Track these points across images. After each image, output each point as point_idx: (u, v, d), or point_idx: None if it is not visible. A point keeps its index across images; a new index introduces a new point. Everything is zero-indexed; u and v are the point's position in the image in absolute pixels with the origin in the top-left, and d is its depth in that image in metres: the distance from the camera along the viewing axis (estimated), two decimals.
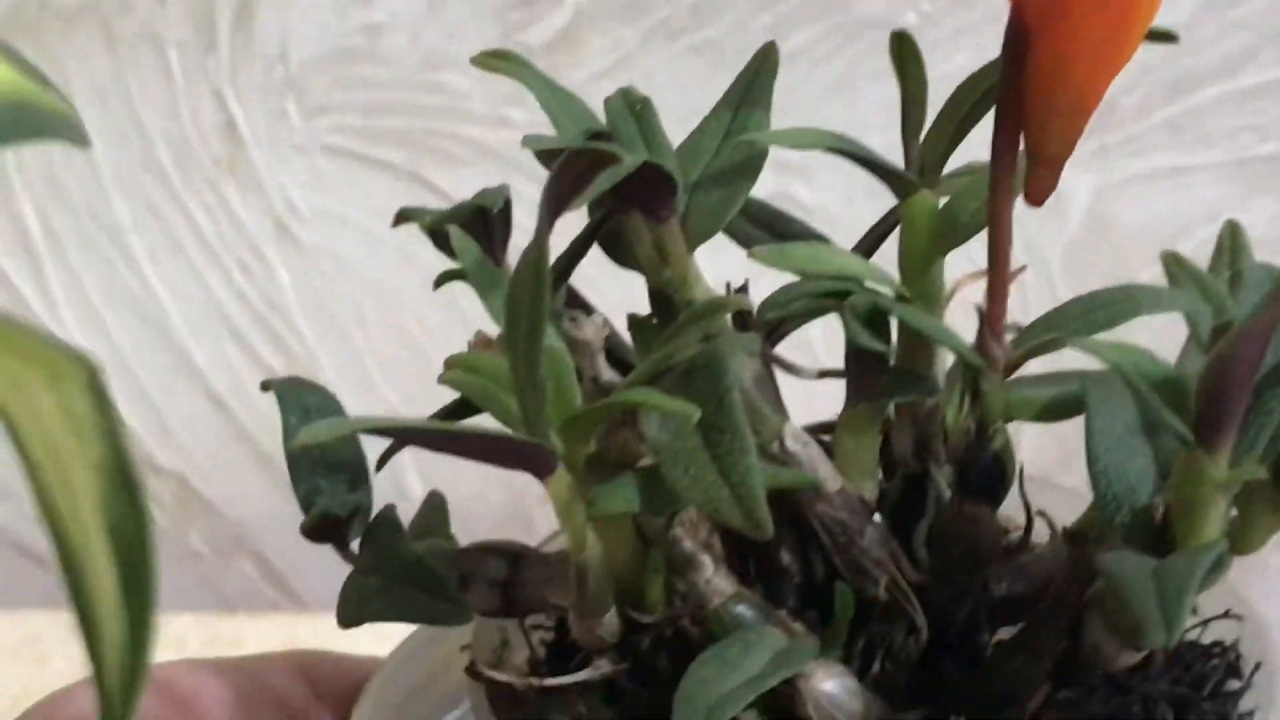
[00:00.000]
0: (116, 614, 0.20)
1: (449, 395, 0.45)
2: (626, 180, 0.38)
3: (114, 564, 0.20)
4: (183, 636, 0.84)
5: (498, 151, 0.86)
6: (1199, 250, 0.87)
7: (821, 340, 0.79)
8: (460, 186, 0.87)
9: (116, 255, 0.88)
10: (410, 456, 0.86)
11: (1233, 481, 0.35)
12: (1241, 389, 0.34)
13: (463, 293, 0.88)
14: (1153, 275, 0.87)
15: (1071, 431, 0.42)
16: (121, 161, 0.86)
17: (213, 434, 0.90)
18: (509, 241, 0.47)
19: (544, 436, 0.35)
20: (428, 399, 0.65)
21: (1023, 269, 0.48)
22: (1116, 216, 0.86)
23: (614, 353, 0.42)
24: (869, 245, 0.45)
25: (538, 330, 0.33)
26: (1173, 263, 0.48)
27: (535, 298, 0.33)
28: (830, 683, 0.38)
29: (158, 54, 0.84)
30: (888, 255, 0.45)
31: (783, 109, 0.85)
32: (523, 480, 0.38)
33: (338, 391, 0.90)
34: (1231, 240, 0.49)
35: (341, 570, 0.91)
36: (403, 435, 0.33)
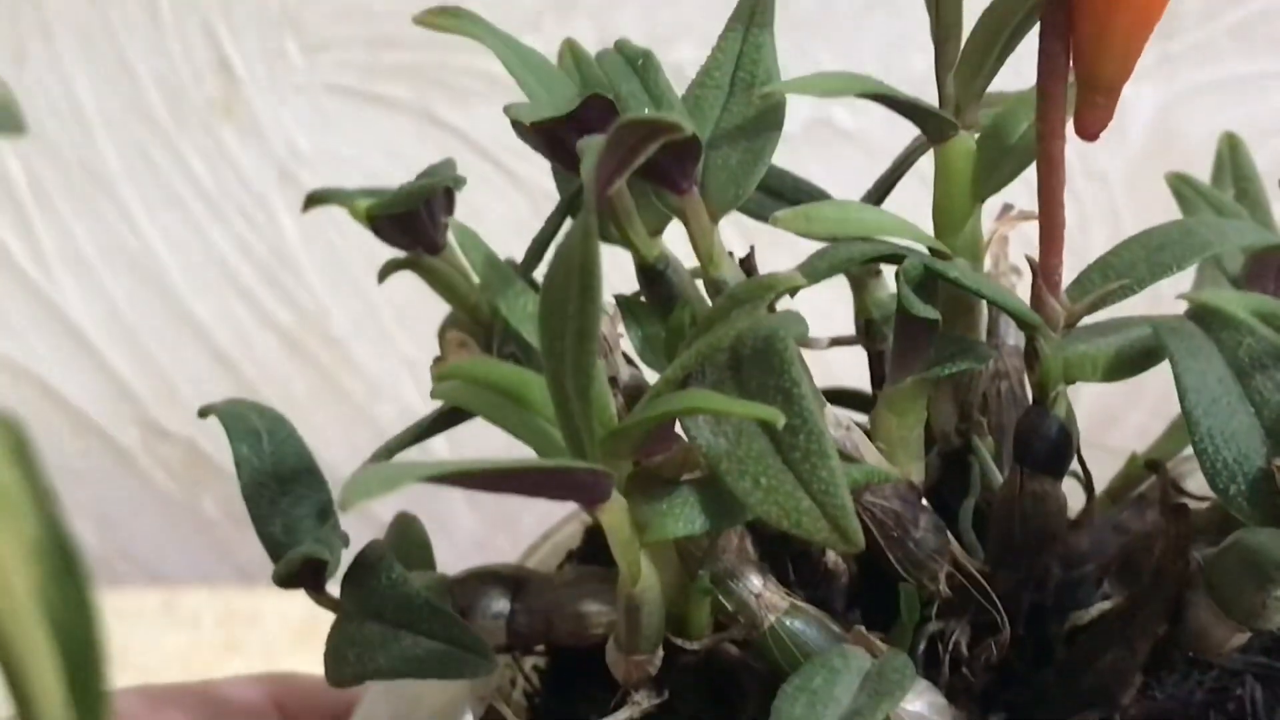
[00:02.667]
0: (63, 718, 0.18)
1: None
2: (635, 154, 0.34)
3: (58, 663, 0.18)
4: (197, 612, 0.82)
5: (514, 84, 0.82)
6: (1273, 164, 0.83)
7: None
8: (475, 122, 0.83)
9: (109, 208, 0.85)
10: None
11: None
12: None
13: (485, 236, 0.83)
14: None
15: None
16: (109, 107, 0.83)
17: (221, 394, 0.87)
18: (451, 214, 0.44)
19: (594, 459, 0.32)
20: None
21: (1018, 213, 0.45)
22: (1182, 130, 0.82)
23: None
24: (880, 191, 0.42)
25: (589, 339, 0.30)
26: (1181, 184, 0.45)
27: (584, 299, 0.30)
28: (917, 703, 0.35)
29: None
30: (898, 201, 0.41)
31: (821, 25, 0.81)
32: None
33: (352, 346, 0.88)
34: (1231, 154, 0.46)
35: (369, 536, 0.88)
36: (457, 480, 0.30)
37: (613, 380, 0.36)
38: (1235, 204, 0.47)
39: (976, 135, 0.40)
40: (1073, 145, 0.85)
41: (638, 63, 0.39)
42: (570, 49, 0.45)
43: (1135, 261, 0.38)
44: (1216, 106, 0.81)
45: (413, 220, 0.47)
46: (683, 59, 0.83)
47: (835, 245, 0.37)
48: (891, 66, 0.82)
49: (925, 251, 0.38)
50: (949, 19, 0.39)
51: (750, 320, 0.33)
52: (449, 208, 0.48)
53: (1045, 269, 0.37)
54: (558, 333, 0.30)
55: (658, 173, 0.37)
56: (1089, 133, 0.37)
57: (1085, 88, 0.36)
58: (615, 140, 0.30)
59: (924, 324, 0.37)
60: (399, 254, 0.74)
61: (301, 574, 0.38)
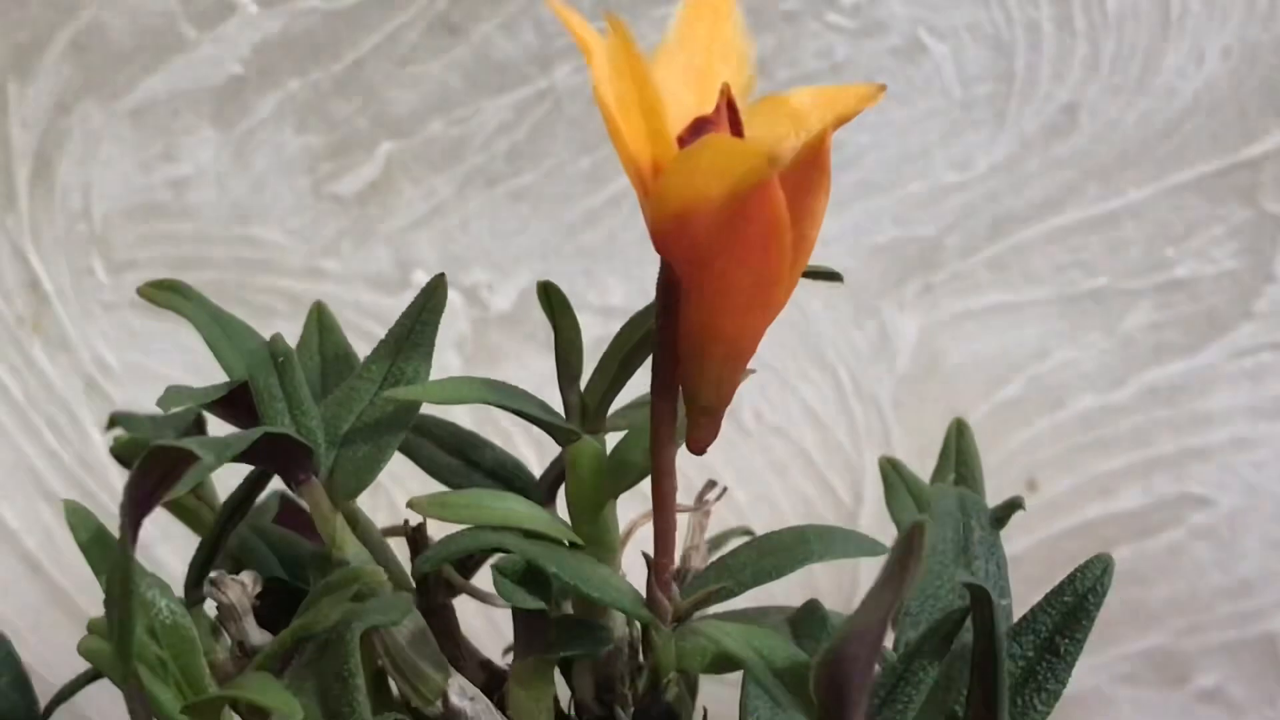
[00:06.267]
0: None
1: None
2: (254, 448, 0.39)
3: None
4: None
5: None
6: (1030, 387, 0.89)
7: None
8: None
9: None
10: None
11: None
12: (861, 683, 0.35)
13: None
14: (983, 413, 0.89)
15: None
16: None
17: (28, 596, 0.90)
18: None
19: None
20: None
21: (721, 491, 0.49)
22: (945, 354, 0.87)
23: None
24: (552, 483, 0.46)
25: (128, 635, 0.34)
26: (889, 468, 0.49)
27: (124, 602, 0.34)
28: None
29: None
30: None
31: (606, 255, 0.86)
32: None
33: (160, 551, 0.91)
34: (958, 439, 0.51)
35: None
36: None
37: (241, 645, 0.40)
38: (930, 488, 0.51)
39: (618, 433, 0.44)
40: (845, 364, 0.90)
41: (279, 360, 0.43)
42: (318, 312, 0.50)
43: (746, 563, 0.42)
44: (976, 333, 0.87)
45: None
46: (476, 282, 0.88)
47: (460, 534, 0.42)
48: None
49: (561, 539, 0.43)
50: (567, 337, 0.43)
51: (342, 609, 0.37)
52: None
53: (658, 568, 0.42)
54: (111, 621, 0.34)
55: (274, 467, 0.41)
56: (696, 448, 0.41)
57: (691, 411, 0.41)
58: (146, 466, 0.35)
59: (537, 611, 0.41)
60: None
61: None
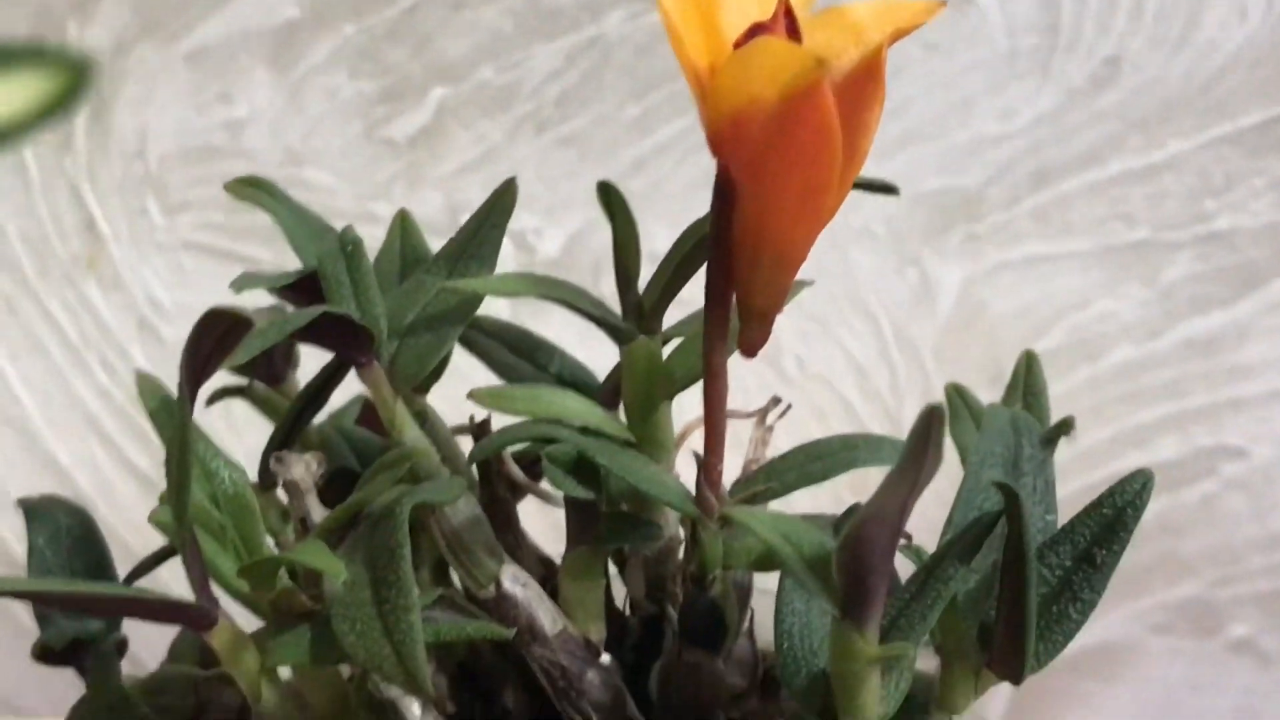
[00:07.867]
0: None
1: None
2: (316, 329, 0.39)
3: None
4: None
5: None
6: (1069, 337, 0.90)
7: None
8: None
9: None
10: None
11: (887, 657, 0.36)
12: (880, 568, 0.36)
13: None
14: None
15: None
16: None
17: None
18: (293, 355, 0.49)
19: (203, 587, 0.37)
20: None
21: (786, 408, 0.50)
22: (987, 304, 0.88)
23: None
24: (613, 389, 0.47)
25: (184, 493, 0.35)
26: (954, 394, 0.50)
27: (181, 466, 0.35)
28: None
29: (13, 152, 0.86)
30: None
31: (651, 202, 0.87)
32: None
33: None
34: (1026, 370, 0.51)
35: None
36: (62, 602, 0.35)
37: (303, 521, 0.42)
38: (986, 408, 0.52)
39: (673, 341, 0.45)
40: (887, 313, 0.90)
41: (348, 249, 0.44)
42: (401, 219, 0.51)
43: (794, 466, 0.44)
44: (1017, 283, 0.88)
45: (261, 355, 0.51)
46: (524, 227, 0.89)
47: (517, 425, 0.43)
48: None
49: (616, 435, 0.43)
50: (624, 239, 0.44)
51: (398, 488, 0.38)
52: (291, 345, 0.53)
53: (707, 466, 0.43)
54: (171, 479, 0.36)
55: (338, 349, 0.42)
56: (748, 351, 0.42)
57: (743, 314, 0.42)
58: (203, 329, 0.36)
59: (588, 501, 0.42)
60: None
61: (60, 654, 0.45)
